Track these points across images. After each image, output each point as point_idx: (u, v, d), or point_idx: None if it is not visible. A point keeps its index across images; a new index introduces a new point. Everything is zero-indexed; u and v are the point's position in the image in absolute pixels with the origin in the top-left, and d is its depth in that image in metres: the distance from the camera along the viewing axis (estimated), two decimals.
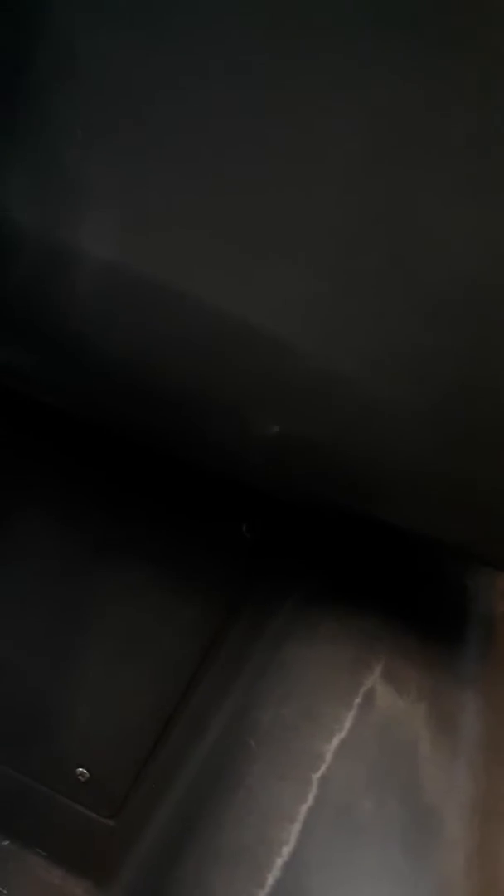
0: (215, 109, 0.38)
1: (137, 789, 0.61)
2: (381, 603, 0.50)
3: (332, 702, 0.44)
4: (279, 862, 0.37)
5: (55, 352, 0.46)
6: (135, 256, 0.41)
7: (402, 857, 0.39)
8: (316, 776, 0.40)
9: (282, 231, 0.39)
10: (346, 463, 0.44)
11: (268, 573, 0.60)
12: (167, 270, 0.41)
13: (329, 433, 0.43)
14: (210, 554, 0.61)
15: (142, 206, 0.41)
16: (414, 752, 0.43)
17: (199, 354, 0.43)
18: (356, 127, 0.37)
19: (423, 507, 0.45)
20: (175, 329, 0.43)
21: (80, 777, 0.62)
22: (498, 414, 0.40)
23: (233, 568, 0.61)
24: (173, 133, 0.39)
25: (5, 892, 0.59)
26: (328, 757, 0.41)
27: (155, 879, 0.45)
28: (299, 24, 0.36)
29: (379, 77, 0.36)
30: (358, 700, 0.44)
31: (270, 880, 0.37)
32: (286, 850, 0.38)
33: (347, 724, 0.43)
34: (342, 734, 0.42)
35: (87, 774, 0.62)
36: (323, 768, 0.41)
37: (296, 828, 0.39)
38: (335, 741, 0.42)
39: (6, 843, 0.62)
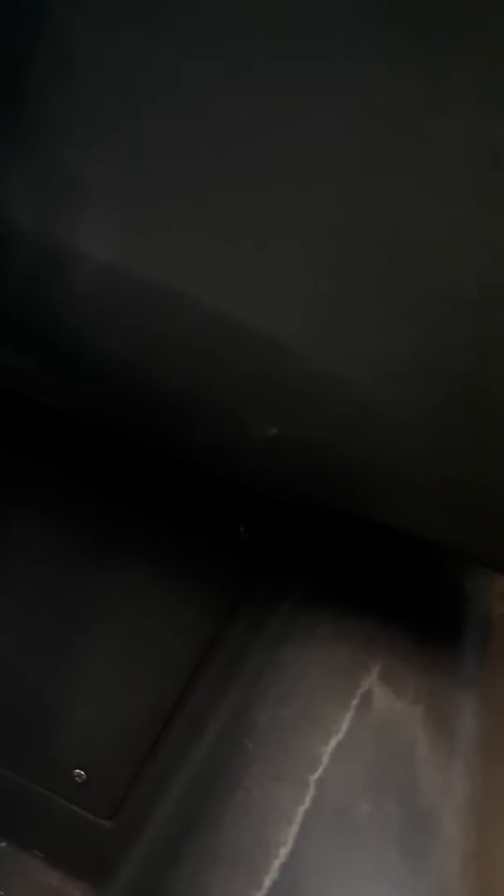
0: (215, 109, 0.38)
1: (135, 790, 0.61)
2: (378, 604, 0.50)
3: (330, 703, 0.44)
4: (276, 863, 0.37)
5: (53, 352, 0.46)
6: (133, 257, 0.41)
7: (399, 859, 0.39)
8: (313, 777, 0.40)
9: (280, 231, 0.39)
10: (344, 464, 0.44)
11: (266, 574, 0.59)
12: (166, 271, 0.41)
13: (327, 435, 0.43)
14: (208, 555, 0.61)
15: (141, 206, 0.41)
16: (411, 754, 0.43)
17: (198, 356, 0.43)
18: (356, 127, 0.37)
19: (420, 508, 0.45)
20: (173, 330, 0.43)
21: (77, 778, 0.62)
22: (496, 416, 0.40)
23: (231, 569, 0.61)
24: (173, 133, 0.39)
25: (3, 893, 0.59)
26: (325, 758, 0.41)
27: (152, 881, 0.45)
28: (299, 24, 0.36)
29: (379, 77, 0.36)
30: (355, 701, 0.44)
31: (268, 882, 0.37)
32: (283, 852, 0.38)
33: (345, 725, 0.43)
34: (339, 736, 0.42)
35: (85, 775, 0.62)
36: (320, 770, 0.41)
37: (293, 829, 0.38)
38: (332, 742, 0.42)
39: (3, 844, 0.62)
